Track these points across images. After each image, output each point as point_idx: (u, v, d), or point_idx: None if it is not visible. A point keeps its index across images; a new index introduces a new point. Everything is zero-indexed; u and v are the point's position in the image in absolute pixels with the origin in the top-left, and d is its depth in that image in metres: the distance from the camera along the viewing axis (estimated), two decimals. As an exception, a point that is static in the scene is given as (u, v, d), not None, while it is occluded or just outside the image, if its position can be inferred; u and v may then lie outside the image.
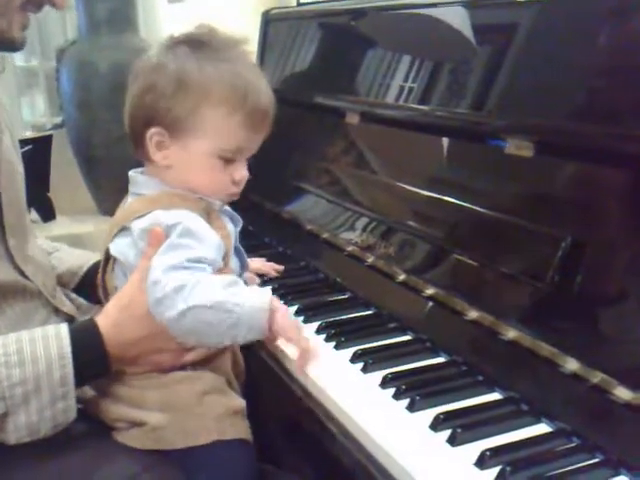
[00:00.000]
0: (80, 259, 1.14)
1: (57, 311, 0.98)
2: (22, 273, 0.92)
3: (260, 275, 1.15)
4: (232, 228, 0.93)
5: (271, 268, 1.17)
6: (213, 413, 0.86)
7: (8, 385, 0.78)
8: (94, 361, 0.84)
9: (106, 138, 2.37)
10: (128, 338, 0.85)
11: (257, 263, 1.15)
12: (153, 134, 0.87)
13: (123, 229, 0.89)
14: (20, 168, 0.98)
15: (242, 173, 0.91)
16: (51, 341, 0.81)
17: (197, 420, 0.85)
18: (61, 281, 1.11)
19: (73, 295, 1.10)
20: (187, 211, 0.86)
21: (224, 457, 0.85)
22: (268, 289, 0.85)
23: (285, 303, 1.06)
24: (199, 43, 0.88)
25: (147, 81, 0.87)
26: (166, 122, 0.86)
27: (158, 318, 0.82)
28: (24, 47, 0.92)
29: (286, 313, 0.84)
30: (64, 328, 0.83)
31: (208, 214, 0.89)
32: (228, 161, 0.89)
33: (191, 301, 0.78)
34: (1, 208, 0.90)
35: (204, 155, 0.88)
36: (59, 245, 1.19)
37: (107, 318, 0.86)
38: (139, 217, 0.87)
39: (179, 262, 0.81)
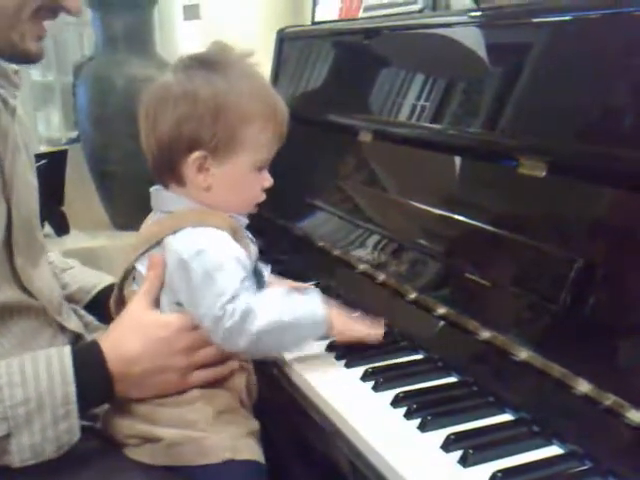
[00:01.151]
0: (94, 278, 1.15)
1: (63, 329, 0.97)
2: (27, 292, 0.92)
3: None
4: (254, 248, 0.95)
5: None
6: (228, 432, 0.86)
7: (10, 405, 0.78)
8: (96, 380, 0.84)
9: (121, 153, 2.39)
10: (130, 355, 0.85)
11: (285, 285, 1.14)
12: (196, 159, 0.87)
13: (156, 245, 0.90)
14: (35, 184, 0.98)
15: (270, 181, 0.94)
16: (54, 360, 0.82)
17: (212, 438, 0.85)
18: (73, 299, 1.11)
19: (81, 312, 1.09)
20: (216, 229, 0.88)
21: (236, 477, 0.84)
22: (316, 293, 0.91)
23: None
24: (215, 63, 0.89)
25: (181, 111, 0.86)
26: (210, 147, 0.87)
27: (230, 349, 0.86)
28: (42, 59, 0.90)
29: (343, 321, 0.91)
30: (67, 349, 0.84)
31: (235, 232, 0.90)
32: (260, 170, 0.92)
33: (256, 327, 0.83)
34: (11, 227, 0.89)
35: (245, 170, 0.90)
36: (73, 262, 1.19)
37: (109, 337, 0.87)
38: (172, 233, 0.88)
39: (232, 292, 0.83)
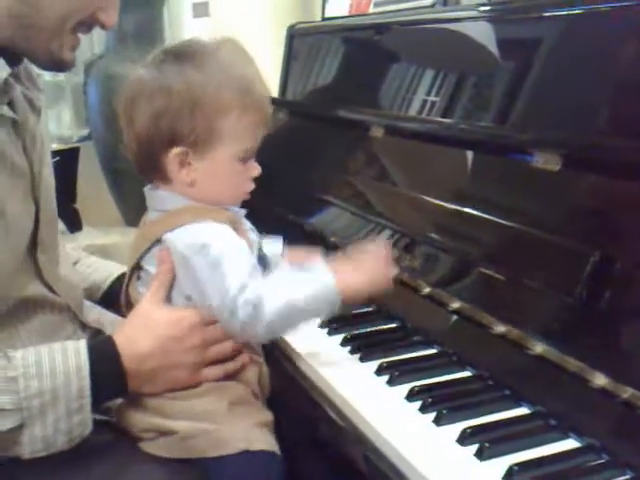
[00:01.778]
0: (103, 271, 1.16)
1: (84, 326, 0.99)
2: (50, 289, 0.93)
3: None
4: (255, 238, 0.95)
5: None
6: (242, 423, 0.86)
7: (25, 396, 0.79)
8: (110, 375, 0.85)
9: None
10: (143, 352, 0.86)
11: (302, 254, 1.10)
12: (176, 155, 0.87)
13: (156, 242, 0.90)
14: (53, 182, 1.00)
15: (257, 169, 0.93)
16: (70, 354, 0.83)
17: (226, 429, 0.85)
18: (86, 294, 1.12)
19: (98, 308, 1.11)
20: (215, 222, 0.87)
21: (252, 467, 0.85)
22: (321, 264, 0.88)
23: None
24: (189, 55, 0.88)
25: (156, 105, 0.86)
26: (189, 141, 0.86)
27: (250, 338, 0.88)
28: (73, 67, 0.93)
29: (351, 277, 0.88)
30: (82, 343, 0.85)
31: (234, 224, 0.90)
32: (245, 160, 0.90)
33: (269, 315, 0.83)
34: (38, 227, 0.91)
35: (227, 162, 0.89)
36: (78, 253, 1.20)
37: (123, 333, 0.88)
38: (170, 230, 0.88)
39: (242, 282, 0.83)
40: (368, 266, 0.89)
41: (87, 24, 0.90)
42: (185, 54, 0.88)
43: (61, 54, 0.89)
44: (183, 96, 0.85)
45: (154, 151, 0.88)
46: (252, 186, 0.93)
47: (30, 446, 0.80)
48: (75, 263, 1.16)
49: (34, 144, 0.92)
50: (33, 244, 0.91)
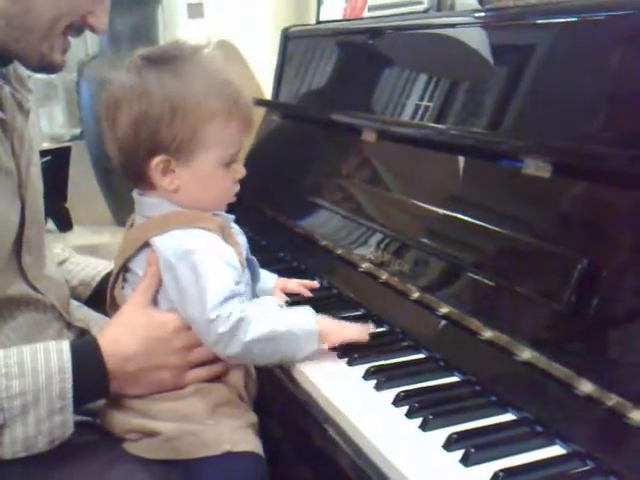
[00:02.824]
0: (92, 269, 1.15)
1: (70, 326, 0.99)
2: (35, 288, 0.93)
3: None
4: (243, 240, 0.95)
5: (306, 288, 1.14)
6: (226, 425, 0.86)
7: (7, 396, 0.79)
8: (93, 376, 0.85)
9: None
10: (126, 353, 0.86)
11: (293, 284, 1.13)
12: (158, 163, 0.86)
13: (144, 245, 0.90)
14: (41, 183, 1.00)
15: (241, 172, 0.92)
16: (52, 355, 0.82)
17: (210, 431, 0.85)
18: (74, 293, 1.12)
19: (85, 309, 1.10)
20: (203, 231, 0.87)
21: (235, 469, 0.85)
22: (308, 308, 0.91)
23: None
24: (167, 61, 0.87)
25: (135, 111, 0.85)
26: (171, 149, 0.86)
27: (219, 354, 0.86)
28: (62, 69, 0.94)
29: (332, 327, 0.90)
30: (65, 344, 0.84)
31: (223, 230, 0.90)
32: (228, 165, 0.90)
33: (249, 336, 0.83)
34: (24, 226, 0.91)
35: (211, 168, 0.88)
36: (70, 252, 1.20)
37: (107, 334, 0.88)
38: (158, 234, 0.88)
39: (224, 295, 0.83)
40: (349, 329, 0.92)
41: (77, 27, 0.91)
42: (165, 59, 0.87)
43: (51, 56, 0.89)
44: (163, 104, 0.84)
45: (136, 159, 0.87)
46: (237, 188, 0.93)
47: (11, 447, 0.80)
48: (63, 262, 1.16)
49: (22, 145, 0.92)
50: (18, 244, 0.91)
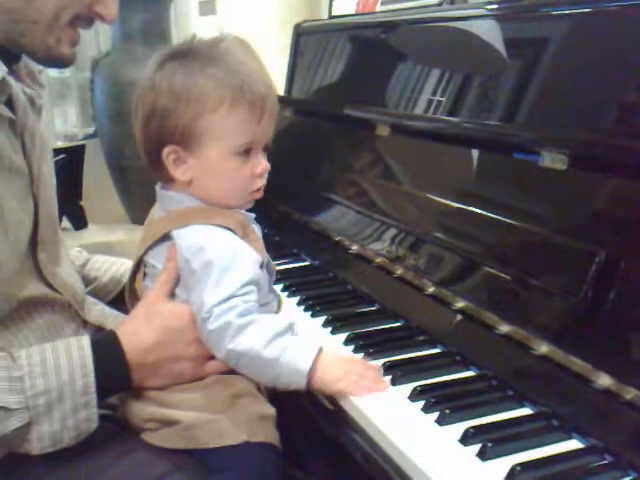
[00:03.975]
0: (120, 267, 1.17)
1: (86, 323, 0.99)
2: (51, 286, 0.93)
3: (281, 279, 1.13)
4: (262, 240, 0.94)
5: None
6: (244, 415, 0.86)
7: (32, 395, 0.80)
8: (115, 369, 0.86)
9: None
10: (145, 344, 0.87)
11: None
12: (168, 153, 0.88)
13: (163, 238, 0.90)
14: (54, 180, 1.00)
15: (262, 165, 0.90)
16: (73, 351, 0.83)
17: (228, 420, 0.85)
18: (105, 290, 1.14)
19: (101, 305, 1.11)
20: (220, 229, 0.88)
21: (252, 459, 0.85)
22: (316, 346, 0.84)
23: (313, 314, 1.07)
24: (183, 54, 0.89)
25: (147, 105, 0.88)
26: (177, 138, 0.87)
27: (213, 353, 0.86)
28: (73, 63, 0.92)
29: (332, 365, 0.83)
30: (86, 339, 0.85)
31: (244, 227, 0.90)
32: (244, 156, 0.89)
33: (232, 345, 0.82)
34: (38, 224, 0.91)
35: (220, 158, 0.88)
36: (89, 255, 1.20)
37: (126, 327, 0.89)
38: (178, 228, 0.88)
39: (223, 295, 0.83)
40: (351, 368, 0.85)
41: (85, 18, 0.89)
42: (177, 53, 0.89)
43: (59, 49, 0.87)
44: (167, 95, 0.86)
45: (152, 151, 0.89)
46: (258, 184, 0.91)
47: (39, 443, 0.81)
48: (86, 262, 1.17)
49: (33, 143, 0.92)
50: (33, 243, 0.91)
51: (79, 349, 0.84)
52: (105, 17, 0.89)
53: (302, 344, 0.85)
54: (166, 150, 0.87)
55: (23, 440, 0.81)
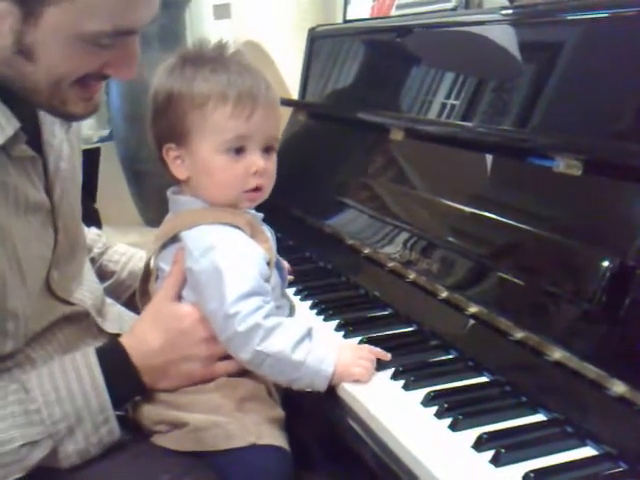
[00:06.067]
0: (138, 261, 1.18)
1: (101, 331, 0.99)
2: (67, 302, 0.93)
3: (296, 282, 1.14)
4: (272, 240, 0.95)
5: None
6: (252, 418, 0.87)
7: (51, 422, 0.82)
8: (126, 379, 0.87)
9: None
10: (152, 347, 0.88)
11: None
12: (167, 150, 0.90)
13: (172, 240, 0.91)
14: (79, 203, 1.01)
15: (257, 164, 0.89)
16: (83, 372, 0.85)
17: (237, 423, 0.86)
18: (123, 286, 1.15)
19: (118, 306, 1.11)
20: (229, 227, 0.88)
21: (260, 461, 0.85)
22: (335, 348, 0.87)
23: (326, 318, 1.06)
24: (185, 58, 0.91)
25: (150, 109, 0.92)
26: (171, 136, 0.90)
27: (232, 353, 0.86)
28: (93, 114, 0.86)
29: (352, 373, 0.86)
30: (93, 355, 0.86)
31: (252, 227, 0.90)
32: (238, 153, 0.88)
33: (262, 346, 0.83)
34: (55, 250, 0.90)
35: (210, 154, 0.88)
36: (108, 243, 1.21)
37: (132, 333, 0.90)
38: (186, 228, 0.89)
39: (244, 290, 0.83)
40: (361, 353, 0.89)
41: (96, 77, 0.82)
42: (187, 55, 0.91)
43: (66, 108, 0.82)
44: (161, 94, 0.89)
45: (157, 150, 0.92)
46: (252, 183, 0.89)
47: (66, 460, 0.83)
48: (105, 251, 1.18)
49: (57, 166, 0.91)
50: (48, 269, 0.90)
51: (88, 369, 0.85)
52: (123, 76, 0.84)
53: (322, 347, 0.86)
54: (164, 148, 0.90)
55: (51, 459, 0.82)
